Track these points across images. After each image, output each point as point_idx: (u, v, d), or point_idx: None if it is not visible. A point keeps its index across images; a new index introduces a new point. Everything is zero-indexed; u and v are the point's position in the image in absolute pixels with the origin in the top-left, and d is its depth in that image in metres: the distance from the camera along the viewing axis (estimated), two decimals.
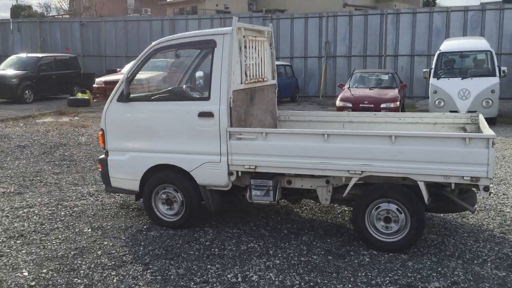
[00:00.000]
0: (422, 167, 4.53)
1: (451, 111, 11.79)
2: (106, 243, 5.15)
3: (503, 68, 12.76)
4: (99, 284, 4.24)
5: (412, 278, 4.26)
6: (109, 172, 5.70)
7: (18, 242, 5.21)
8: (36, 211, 6.20)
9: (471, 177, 4.40)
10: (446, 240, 5.10)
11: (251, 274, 4.37)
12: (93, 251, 4.95)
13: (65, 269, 4.54)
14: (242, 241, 5.15)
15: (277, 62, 19.05)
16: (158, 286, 4.18)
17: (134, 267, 4.56)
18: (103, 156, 5.79)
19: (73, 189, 7.22)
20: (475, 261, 4.61)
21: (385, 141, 4.64)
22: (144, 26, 23.61)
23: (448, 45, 13.75)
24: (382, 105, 13.03)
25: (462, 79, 12.66)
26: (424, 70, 14.00)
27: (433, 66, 13.14)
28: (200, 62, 5.98)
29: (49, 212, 6.17)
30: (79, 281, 4.30)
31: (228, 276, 4.35)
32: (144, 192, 5.59)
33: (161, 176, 5.51)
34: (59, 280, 4.32)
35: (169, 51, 5.66)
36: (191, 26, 22.31)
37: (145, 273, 4.43)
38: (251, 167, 5.10)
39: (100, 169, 5.84)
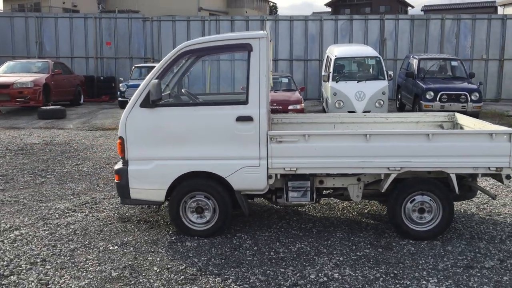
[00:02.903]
0: (455, 161, 5.12)
1: (349, 111, 12.90)
2: (151, 258, 4.83)
3: (390, 72, 14.33)
4: None
5: (465, 260, 4.81)
6: (129, 183, 5.30)
7: (48, 267, 4.62)
8: (30, 233, 5.49)
9: (496, 167, 5.10)
10: (455, 226, 5.79)
11: (330, 273, 4.51)
12: (146, 267, 4.61)
13: None
14: (286, 243, 5.23)
15: None
16: None
17: (209, 279, 4.39)
18: (120, 166, 5.37)
19: (43, 206, 6.49)
20: (495, 241, 5.34)
21: (423, 138, 5.12)
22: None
23: (342, 51, 14.97)
24: (290, 107, 13.67)
25: (357, 82, 13.90)
26: (323, 74, 15.04)
27: (330, 70, 14.21)
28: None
29: (47, 233, 5.51)
30: None
31: (311, 276, 4.44)
32: (171, 201, 5.33)
33: (191, 183, 5.31)
34: None
35: (199, 54, 5.46)
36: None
37: (228, 283, 4.30)
38: (292, 169, 5.21)
39: (117, 181, 5.38)
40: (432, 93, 13.95)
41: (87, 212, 6.24)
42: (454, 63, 15.85)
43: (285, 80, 15.53)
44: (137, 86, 16.50)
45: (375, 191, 5.55)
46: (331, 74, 14.12)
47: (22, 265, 4.65)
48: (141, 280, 4.35)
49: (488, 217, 6.13)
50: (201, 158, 5.22)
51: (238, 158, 5.19)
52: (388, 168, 5.17)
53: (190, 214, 5.38)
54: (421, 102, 14.07)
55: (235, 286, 4.25)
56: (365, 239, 5.34)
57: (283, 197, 5.48)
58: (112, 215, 6.13)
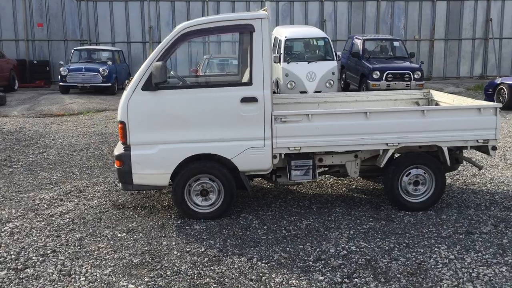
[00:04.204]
0: (447, 135, 5.44)
1: (301, 92, 13.19)
2: (165, 243, 4.77)
3: (338, 53, 14.73)
4: (233, 280, 4.05)
5: (463, 227, 5.16)
6: (132, 168, 5.17)
7: (62, 258, 4.45)
8: (25, 225, 5.23)
9: (484, 139, 5.48)
10: (441, 196, 6.15)
11: (347, 246, 4.68)
12: (165, 252, 4.56)
13: (167, 273, 4.14)
14: (292, 221, 5.34)
15: (110, 48, 18.16)
16: (285, 270, 4.19)
17: (234, 259, 4.42)
18: (121, 151, 5.21)
19: (25, 196, 6.18)
20: (482, 208, 5.75)
21: (418, 115, 5.40)
22: None
23: (292, 32, 15.14)
24: None
25: (308, 63, 14.16)
26: (273, 55, 15.16)
27: (281, 51, 14.37)
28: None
29: (44, 223, 5.28)
30: (203, 281, 4.02)
31: (331, 251, 4.58)
32: (176, 185, 5.27)
33: (196, 166, 5.27)
34: (181, 284, 3.96)
35: (201, 35, 5.37)
36: None
37: (254, 262, 4.35)
38: (296, 148, 5.31)
39: (118, 167, 5.22)
40: (378, 73, 14.52)
41: (76, 200, 6.02)
42: (396, 43, 16.54)
43: (235, 62, 15.52)
44: (80, 69, 16.22)
45: (370, 167, 5.79)
46: (282, 55, 14.28)
47: (33, 258, 4.44)
48: (166, 265, 4.30)
49: (465, 186, 6.57)
50: (206, 141, 5.19)
51: (243, 139, 5.21)
52: (387, 144, 5.40)
53: (195, 197, 5.35)
54: (368, 81, 14.61)
55: (262, 264, 4.31)
56: (365, 213, 5.57)
57: (283, 176, 5.59)
58: (104, 202, 5.95)
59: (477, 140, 5.49)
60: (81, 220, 5.37)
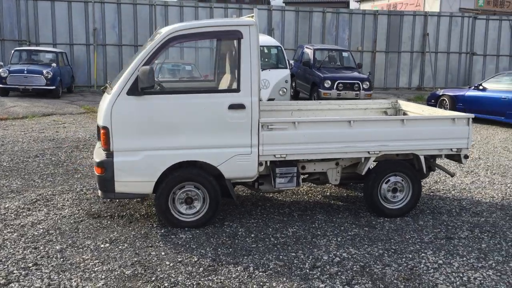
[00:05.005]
0: (424, 144, 5.63)
1: None
2: (154, 253, 4.60)
3: (291, 61, 14.92)
4: None
5: (442, 232, 5.34)
6: (115, 176, 4.95)
7: (46, 271, 4.17)
8: None
9: (457, 148, 5.72)
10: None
11: (338, 253, 4.71)
12: (156, 262, 4.39)
13: (165, 284, 3.99)
14: (278, 228, 5.31)
15: (53, 49, 17.41)
16: (284, 278, 4.16)
17: (230, 268, 4.32)
18: (103, 158, 4.98)
19: None
20: (453, 214, 5.99)
21: (398, 124, 5.55)
22: None
23: None
24: None
25: (262, 70, 14.24)
26: None
27: None
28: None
29: (16, 235, 4.94)
30: None
31: (324, 258, 4.59)
32: (160, 193, 5.10)
33: (182, 174, 5.14)
34: None
35: (187, 40, 5.24)
36: None
37: (251, 271, 4.28)
38: (282, 156, 5.31)
39: (99, 174, 4.98)
40: (329, 82, 14.85)
41: (45, 210, 5.68)
42: (344, 54, 17.00)
43: (188, 68, 15.38)
44: (21, 71, 15.40)
45: (349, 174, 5.89)
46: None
47: (15, 271, 4.14)
48: (161, 276, 4.15)
49: (431, 193, 6.83)
50: (192, 148, 5.07)
51: (230, 146, 5.14)
52: (369, 152, 5.51)
53: (179, 205, 5.21)
54: (320, 90, 14.90)
55: (260, 273, 4.25)
56: (346, 220, 5.65)
57: (266, 183, 5.56)
58: (77, 211, 5.66)
59: (451, 149, 5.71)
60: (56, 231, 5.08)
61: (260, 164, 5.27)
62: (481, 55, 23.52)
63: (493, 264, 4.58)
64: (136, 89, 4.87)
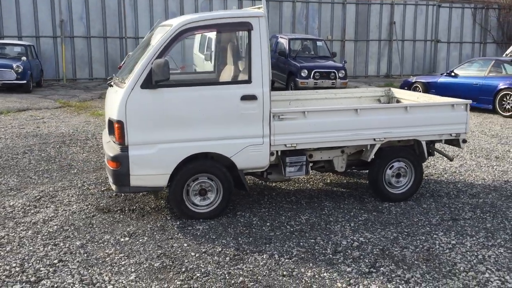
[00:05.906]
0: (426, 130, 5.83)
1: None
2: (176, 245, 4.62)
3: None
4: (266, 277, 4.03)
5: (447, 214, 5.57)
6: (130, 169, 4.93)
7: (73, 267, 4.15)
8: (11, 235, 4.79)
9: (456, 133, 5.95)
10: None
11: (355, 237, 4.86)
12: (181, 254, 4.42)
13: (197, 275, 4.03)
14: (290, 217, 5.41)
15: (22, 42, 16.87)
16: (310, 264, 4.26)
17: (256, 257, 4.40)
18: (118, 152, 4.94)
19: None
20: (452, 196, 6.23)
21: (402, 111, 5.72)
22: None
23: None
24: None
25: None
26: (205, 53, 15.04)
27: (212, 49, 14.31)
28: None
29: (31, 232, 4.86)
30: (237, 280, 3.97)
31: (343, 243, 4.73)
32: (175, 185, 5.11)
33: (196, 166, 5.16)
34: (217, 285, 3.88)
35: (199, 32, 5.22)
36: None
37: (276, 258, 4.37)
38: (292, 145, 5.40)
39: (114, 169, 4.94)
40: (306, 71, 14.99)
41: (52, 206, 5.60)
42: (319, 43, 17.17)
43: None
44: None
45: (353, 161, 6.03)
46: (213, 53, 14.20)
47: (42, 269, 4.09)
48: (190, 267, 4.18)
49: (426, 177, 7.06)
50: (206, 139, 5.10)
51: (243, 137, 5.19)
52: (374, 139, 5.67)
53: (193, 197, 5.23)
54: (297, 79, 15.02)
55: (286, 260, 4.35)
56: (354, 206, 5.80)
57: (274, 173, 5.65)
58: (86, 207, 5.61)
59: (450, 134, 5.94)
60: (71, 227, 5.03)
61: (271, 154, 5.34)
62: (445, 42, 24.21)
63: (502, 242, 4.82)
64: (150, 82, 4.85)
